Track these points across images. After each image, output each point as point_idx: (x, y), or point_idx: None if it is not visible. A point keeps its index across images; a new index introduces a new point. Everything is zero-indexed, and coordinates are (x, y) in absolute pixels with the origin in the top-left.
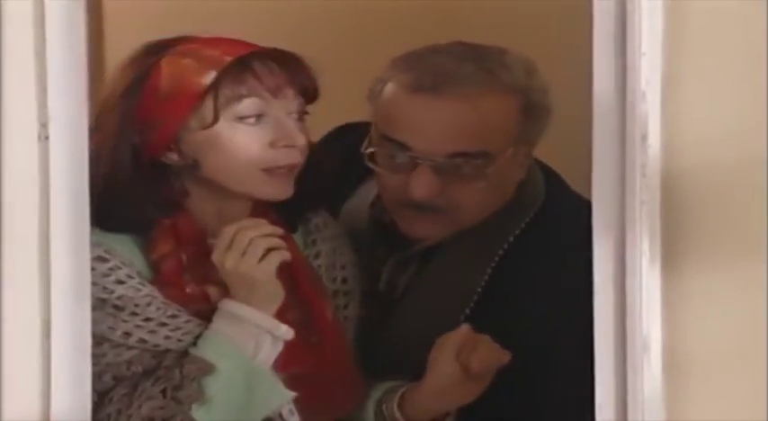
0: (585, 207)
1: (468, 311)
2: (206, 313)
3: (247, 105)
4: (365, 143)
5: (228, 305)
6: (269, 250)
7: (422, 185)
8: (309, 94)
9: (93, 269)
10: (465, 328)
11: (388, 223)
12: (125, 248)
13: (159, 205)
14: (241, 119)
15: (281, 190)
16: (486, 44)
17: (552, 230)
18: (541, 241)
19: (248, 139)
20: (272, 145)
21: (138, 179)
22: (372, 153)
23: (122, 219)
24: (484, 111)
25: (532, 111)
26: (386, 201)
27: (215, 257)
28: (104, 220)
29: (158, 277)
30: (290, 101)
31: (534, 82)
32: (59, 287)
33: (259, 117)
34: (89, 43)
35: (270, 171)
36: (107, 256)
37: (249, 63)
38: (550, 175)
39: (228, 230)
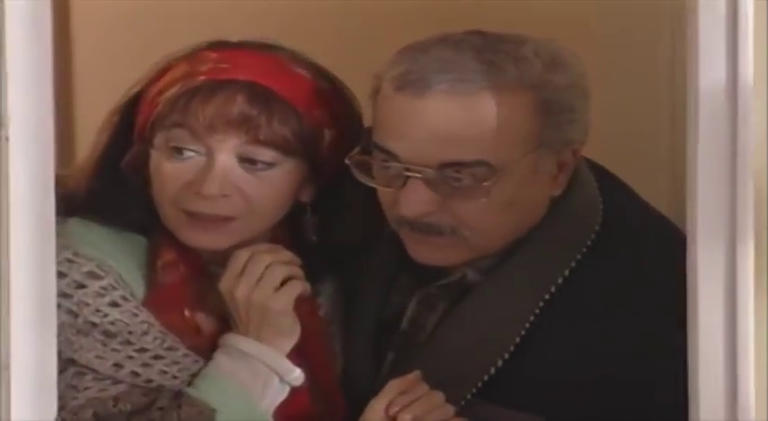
0: (661, 221)
1: (505, 356)
2: (202, 348)
3: (176, 135)
4: (354, 150)
5: (235, 340)
6: (287, 279)
7: (412, 202)
8: (287, 145)
9: (84, 287)
10: (412, 376)
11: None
12: (124, 259)
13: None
14: (173, 148)
15: (204, 239)
16: (506, 33)
17: (620, 256)
18: (605, 271)
19: (170, 173)
20: (186, 187)
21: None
22: (368, 163)
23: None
24: (481, 112)
25: (552, 112)
26: (389, 221)
27: (223, 285)
28: (111, 216)
29: (158, 290)
30: (244, 145)
31: (558, 77)
32: (20, 305)
33: (192, 152)
34: (55, 40)
35: (193, 215)
36: (100, 273)
37: (208, 90)
38: (611, 186)
39: (241, 254)
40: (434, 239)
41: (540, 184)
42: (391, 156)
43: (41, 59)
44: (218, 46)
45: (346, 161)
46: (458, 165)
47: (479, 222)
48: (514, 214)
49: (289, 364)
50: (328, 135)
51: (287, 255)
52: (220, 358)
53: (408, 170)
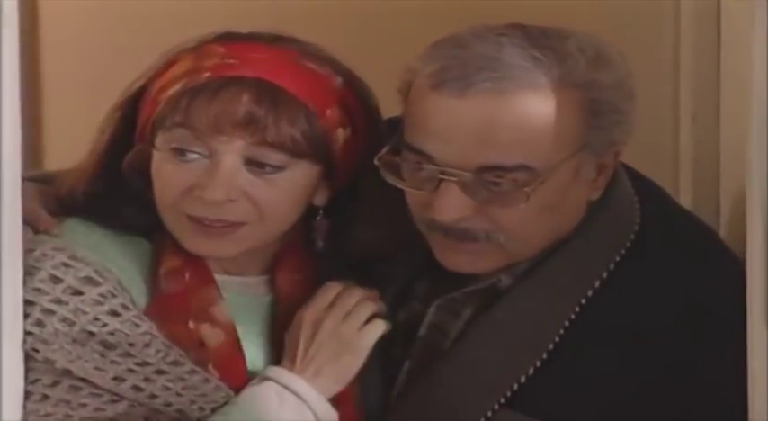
0: (697, 223)
1: (537, 363)
2: (205, 363)
3: (178, 135)
4: (383, 150)
5: (283, 375)
6: (372, 316)
7: (446, 206)
8: (296, 147)
9: (80, 293)
10: None
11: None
12: (126, 264)
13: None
14: (175, 150)
15: (207, 246)
16: (548, 26)
17: (659, 259)
18: (643, 275)
19: (172, 176)
20: (188, 191)
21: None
22: (398, 163)
23: (127, 221)
24: (525, 113)
25: (598, 113)
26: (417, 224)
27: (309, 315)
28: (111, 219)
29: (161, 298)
30: (251, 147)
31: (603, 75)
32: None
33: (196, 154)
34: (23, 40)
35: (197, 220)
36: (98, 279)
37: (213, 88)
38: (645, 188)
39: (332, 287)
40: (468, 245)
41: (579, 188)
42: (425, 157)
43: (8, 59)
44: (227, 38)
45: (375, 161)
46: (498, 170)
47: (516, 228)
48: (553, 219)
49: (330, 408)
50: (343, 135)
51: (370, 293)
52: (263, 390)
53: (443, 173)
